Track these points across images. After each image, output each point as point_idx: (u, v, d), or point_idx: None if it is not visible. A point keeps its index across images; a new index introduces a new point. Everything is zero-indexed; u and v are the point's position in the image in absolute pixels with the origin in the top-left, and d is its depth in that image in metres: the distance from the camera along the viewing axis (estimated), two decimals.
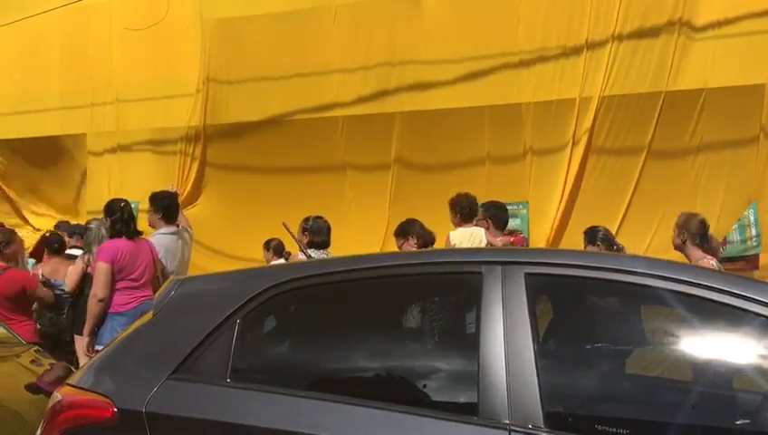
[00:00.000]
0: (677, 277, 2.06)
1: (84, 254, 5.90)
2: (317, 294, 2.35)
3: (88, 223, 6.45)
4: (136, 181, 8.20)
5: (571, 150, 6.77)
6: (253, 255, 7.07)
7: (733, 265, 6.31)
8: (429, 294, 2.52)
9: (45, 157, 9.11)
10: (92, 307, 5.06)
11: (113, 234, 5.27)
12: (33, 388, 3.91)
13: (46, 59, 8.87)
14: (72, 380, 2.44)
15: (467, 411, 2.00)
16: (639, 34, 6.59)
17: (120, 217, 5.26)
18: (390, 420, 2.03)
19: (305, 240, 5.37)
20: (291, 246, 6.21)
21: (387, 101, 7.30)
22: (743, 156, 6.40)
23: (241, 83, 7.83)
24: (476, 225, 5.42)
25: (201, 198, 8.22)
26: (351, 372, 2.34)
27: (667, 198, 6.58)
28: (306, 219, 5.59)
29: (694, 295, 2.02)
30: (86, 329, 5.11)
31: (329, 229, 5.59)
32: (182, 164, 8.16)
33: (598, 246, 5.34)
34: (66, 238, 6.86)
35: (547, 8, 6.86)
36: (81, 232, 6.62)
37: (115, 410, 2.19)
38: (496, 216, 5.34)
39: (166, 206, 5.65)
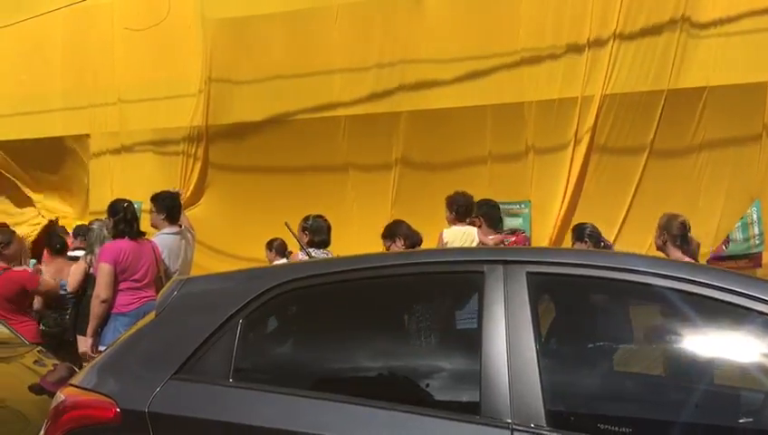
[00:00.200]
0: (680, 276, 2.06)
1: (86, 254, 5.90)
2: (319, 294, 2.35)
3: (90, 223, 6.46)
4: (139, 182, 8.19)
5: (573, 149, 6.76)
6: (255, 255, 7.08)
7: (736, 263, 6.31)
8: (431, 294, 2.52)
9: (50, 158, 9.12)
10: (95, 308, 5.07)
11: (116, 234, 5.27)
12: (36, 388, 3.91)
13: (49, 60, 8.88)
14: (75, 380, 2.45)
15: (469, 411, 2.01)
16: (641, 33, 6.57)
17: (122, 218, 5.27)
18: (393, 420, 2.04)
19: (305, 239, 5.37)
20: (293, 245, 6.21)
21: (389, 100, 7.30)
22: (745, 154, 6.39)
23: (243, 83, 7.83)
24: (469, 223, 5.41)
25: (203, 198, 8.22)
26: (353, 372, 2.34)
27: (669, 197, 6.56)
28: (306, 218, 5.59)
29: (696, 294, 2.02)
30: (89, 330, 5.12)
31: (329, 228, 5.61)
32: (184, 164, 8.16)
33: (585, 242, 5.40)
34: (71, 239, 6.87)
35: (549, 7, 6.84)
36: (85, 233, 6.63)
37: (118, 410, 2.20)
38: (488, 214, 5.35)
39: (168, 206, 5.66)
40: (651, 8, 6.56)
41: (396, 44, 7.27)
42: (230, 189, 8.08)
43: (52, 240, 6.94)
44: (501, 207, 6.91)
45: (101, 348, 5.08)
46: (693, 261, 4.67)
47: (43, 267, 6.41)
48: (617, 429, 1.97)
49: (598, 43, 6.66)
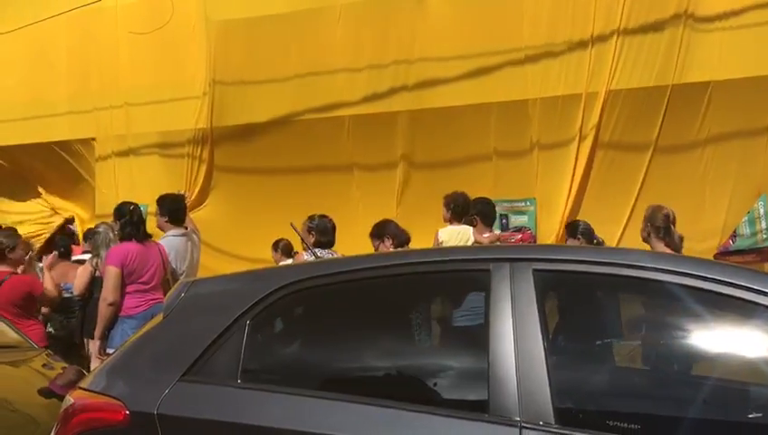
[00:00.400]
0: (687, 271, 2.05)
1: (93, 257, 5.93)
2: (326, 294, 2.36)
3: (96, 227, 6.49)
4: (144, 184, 8.21)
5: (578, 146, 6.74)
6: (261, 255, 7.08)
7: (743, 257, 6.29)
8: (438, 293, 2.52)
9: (57, 162, 9.16)
10: (103, 311, 5.09)
11: (123, 237, 5.29)
12: (45, 392, 3.92)
13: (54, 64, 8.89)
14: (84, 383, 2.46)
15: (478, 409, 2.01)
16: (645, 28, 6.55)
17: (129, 221, 5.29)
18: (401, 419, 2.04)
19: (311, 240, 5.38)
20: (299, 246, 6.22)
21: (392, 99, 7.29)
22: (751, 148, 6.36)
23: (247, 85, 7.83)
24: (464, 221, 5.42)
25: (209, 199, 8.23)
26: (361, 372, 2.35)
27: (675, 192, 6.53)
28: (311, 218, 5.60)
29: (703, 289, 2.02)
30: (97, 332, 5.14)
31: (334, 228, 5.62)
32: (190, 166, 8.16)
33: (578, 239, 5.44)
34: (82, 243, 6.89)
35: (551, 3, 6.81)
36: (91, 236, 6.66)
37: (127, 412, 2.21)
38: (483, 212, 5.35)
39: (170, 208, 5.68)
40: (654, 3, 6.53)
41: (399, 43, 7.26)
42: (235, 191, 8.09)
43: (56, 244, 6.97)
44: (506, 204, 6.96)
45: (109, 350, 5.11)
46: (675, 253, 4.67)
47: (45, 271, 6.43)
48: (626, 425, 1.97)
49: (601, 40, 6.64)
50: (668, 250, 4.64)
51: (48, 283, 5.64)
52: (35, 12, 8.56)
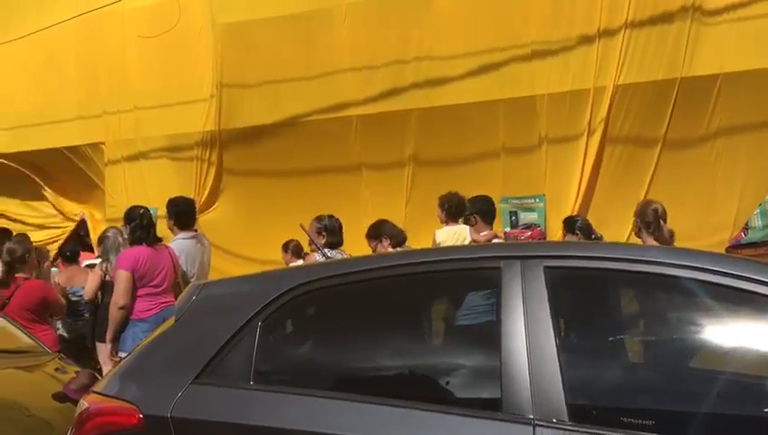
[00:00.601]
0: (700, 266, 2.04)
1: (102, 262, 5.96)
2: (336, 295, 2.36)
3: (105, 231, 6.52)
4: (154, 188, 8.24)
5: (587, 141, 6.72)
6: (272, 257, 7.10)
7: (755, 250, 6.27)
8: (448, 291, 2.52)
9: (68, 167, 9.22)
10: (113, 315, 5.12)
11: (133, 241, 5.31)
12: (59, 396, 3.94)
13: (62, 69, 8.94)
14: (97, 387, 2.47)
15: (491, 407, 2.01)
16: (652, 21, 6.51)
17: (139, 224, 5.30)
18: (414, 419, 2.04)
19: (322, 240, 5.39)
20: (308, 247, 6.23)
21: (400, 98, 7.28)
22: (762, 140, 6.32)
23: (254, 87, 7.84)
24: (465, 220, 5.43)
25: (219, 202, 8.26)
26: (373, 371, 2.35)
27: (685, 186, 6.52)
28: (320, 219, 5.60)
29: (718, 284, 2.01)
30: (108, 335, 5.18)
31: (341, 228, 5.66)
32: (199, 169, 8.19)
33: (576, 235, 5.46)
34: (97, 247, 6.92)
35: None
36: (101, 241, 6.69)
37: (141, 416, 2.22)
38: (483, 210, 5.35)
39: (176, 212, 5.69)
40: None
41: (405, 42, 7.25)
42: (245, 193, 8.11)
43: (63, 248, 7.01)
44: (515, 201, 6.95)
45: (122, 354, 5.14)
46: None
47: (56, 277, 6.47)
48: (640, 421, 1.96)
49: (608, 34, 6.61)
50: (657, 244, 4.71)
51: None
52: (43, 18, 8.60)
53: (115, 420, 2.27)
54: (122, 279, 5.11)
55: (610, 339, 2.28)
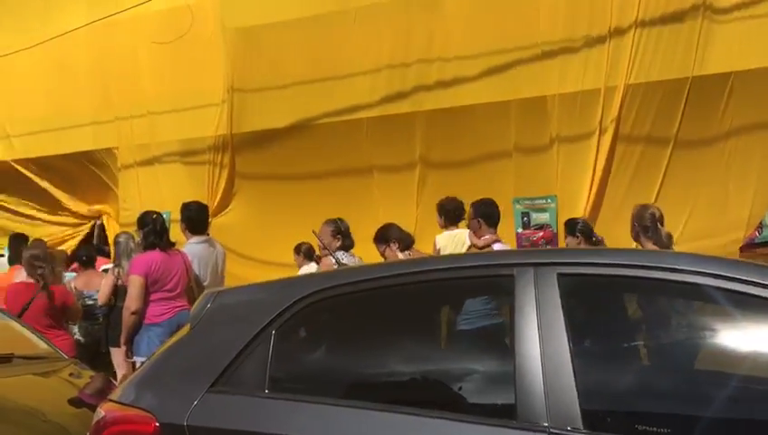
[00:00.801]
0: (714, 272, 2.04)
1: (114, 267, 6.00)
2: (350, 303, 2.36)
3: (117, 236, 6.57)
4: (167, 192, 8.31)
5: (598, 142, 6.70)
6: (284, 259, 7.13)
7: None
8: (462, 298, 2.52)
9: (82, 173, 9.30)
10: (126, 320, 5.17)
11: (146, 246, 5.34)
12: (75, 401, 3.98)
13: (75, 75, 9.01)
14: (114, 395, 2.49)
15: (505, 414, 2.01)
16: (663, 20, 6.48)
17: (152, 230, 5.34)
18: (428, 426, 2.04)
19: (336, 244, 5.40)
20: (319, 249, 6.24)
21: (410, 100, 7.28)
22: None
23: (265, 91, 7.87)
24: (469, 224, 5.44)
25: (231, 205, 8.30)
26: (387, 379, 2.35)
27: (698, 185, 6.49)
28: (332, 222, 5.62)
29: (731, 290, 2.00)
30: (122, 339, 5.22)
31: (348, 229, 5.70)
32: (211, 173, 8.24)
33: (577, 237, 5.45)
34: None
35: None
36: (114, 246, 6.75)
37: (157, 424, 2.23)
38: (486, 213, 5.34)
39: (187, 217, 5.73)
40: None
41: (415, 44, 7.25)
42: (257, 196, 8.14)
43: (79, 252, 7.07)
44: (527, 202, 6.94)
45: (137, 359, 5.18)
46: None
47: (72, 282, 6.52)
48: (655, 429, 1.96)
49: (619, 33, 6.59)
50: (656, 248, 4.74)
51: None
52: (56, 25, 8.66)
53: (132, 428, 2.29)
54: (135, 284, 5.15)
55: (624, 346, 2.28)
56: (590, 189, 6.71)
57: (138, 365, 5.16)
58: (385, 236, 5.49)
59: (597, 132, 6.68)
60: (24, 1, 9.38)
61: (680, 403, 2.13)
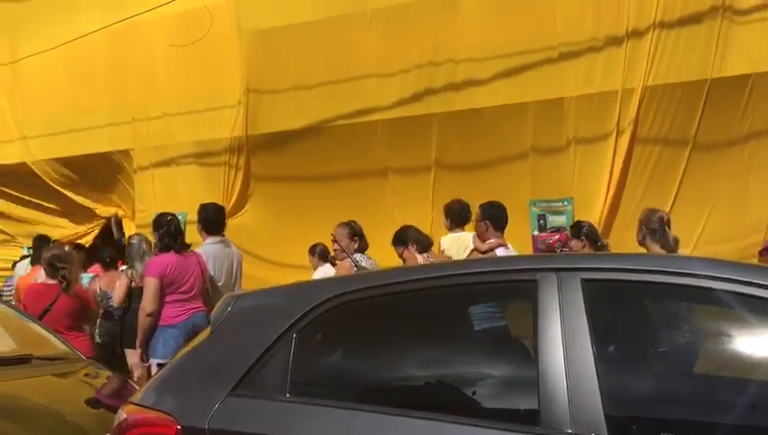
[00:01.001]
0: (739, 278, 2.01)
1: (128, 269, 6.02)
2: (372, 306, 2.35)
3: (130, 238, 6.59)
4: (183, 193, 8.35)
5: (616, 144, 6.66)
6: (298, 261, 7.13)
7: None
8: (485, 304, 2.50)
9: (99, 174, 9.36)
10: (141, 321, 5.19)
11: (162, 248, 5.37)
12: (92, 402, 3.99)
13: (91, 77, 9.07)
14: (134, 398, 2.49)
15: (529, 420, 1.99)
16: (681, 21, 6.44)
17: (167, 232, 5.36)
18: (450, 432, 2.03)
19: (355, 245, 5.42)
20: (333, 250, 6.24)
21: (426, 102, 7.28)
22: None
23: (280, 93, 7.89)
24: (475, 227, 5.45)
25: (246, 206, 8.33)
26: (408, 383, 2.34)
27: (717, 188, 6.44)
28: (347, 224, 5.63)
29: (756, 296, 1.97)
30: (138, 341, 5.24)
31: None
32: (227, 174, 8.28)
33: (582, 241, 5.42)
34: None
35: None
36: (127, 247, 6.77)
37: (179, 427, 2.23)
38: (493, 216, 5.33)
39: (206, 218, 5.75)
40: None
41: (432, 45, 7.24)
42: (272, 198, 8.16)
43: (102, 253, 7.10)
44: (543, 204, 6.92)
45: (152, 360, 5.20)
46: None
47: (96, 283, 6.54)
48: None
49: (637, 34, 6.55)
50: (663, 252, 4.74)
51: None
52: (73, 27, 8.72)
53: (153, 430, 2.29)
54: (150, 286, 5.18)
55: (649, 351, 2.25)
56: (607, 192, 6.68)
57: (153, 367, 5.20)
58: (403, 238, 5.48)
59: (614, 134, 6.64)
60: (43, 4, 9.46)
61: (705, 409, 2.11)
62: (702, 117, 6.41)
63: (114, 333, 6.28)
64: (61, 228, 9.39)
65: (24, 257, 8.40)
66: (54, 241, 6.92)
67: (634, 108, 6.57)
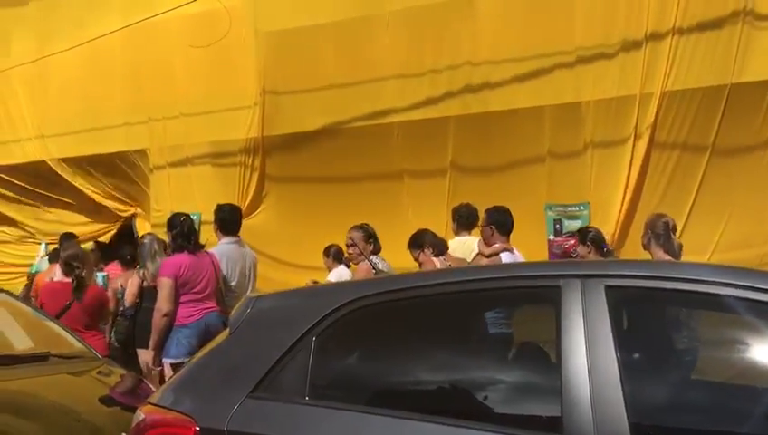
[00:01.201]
0: (755, 286, 1.99)
1: (139, 268, 6.04)
2: (392, 310, 2.34)
3: (142, 237, 6.60)
4: (198, 194, 8.38)
5: (633, 149, 6.61)
6: (312, 262, 7.12)
7: None
8: (507, 309, 2.48)
9: (116, 173, 9.42)
10: (157, 322, 5.19)
11: (175, 248, 5.38)
12: (107, 400, 4.00)
13: (109, 77, 9.12)
14: (153, 398, 2.49)
15: (551, 427, 1.97)
16: (701, 26, 6.38)
17: (180, 232, 5.38)
18: None
19: (370, 248, 5.42)
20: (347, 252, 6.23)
21: (443, 105, 7.25)
22: None
23: (297, 94, 7.90)
24: (481, 231, 5.47)
25: (261, 207, 8.34)
26: (427, 388, 2.32)
27: (735, 194, 6.37)
28: (361, 227, 5.63)
29: None
30: (151, 343, 5.24)
31: None
32: (242, 175, 8.29)
33: (587, 246, 5.42)
34: None
35: (604, 3, 6.70)
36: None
37: (197, 428, 2.22)
38: (498, 221, 5.34)
39: (219, 218, 5.77)
40: (711, 1, 6.36)
41: (449, 49, 7.22)
42: (287, 198, 8.18)
43: (123, 251, 7.13)
44: (559, 209, 6.88)
45: (166, 360, 5.21)
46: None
47: (118, 281, 6.56)
48: None
49: (656, 39, 6.49)
50: (668, 257, 4.77)
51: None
52: (92, 27, 8.77)
53: (171, 431, 2.29)
54: (165, 286, 5.19)
55: (673, 359, 2.23)
56: (624, 196, 6.62)
57: (166, 367, 5.21)
58: (419, 241, 5.49)
59: (632, 139, 6.59)
60: (61, 4, 9.53)
61: (730, 418, 2.08)
62: (721, 122, 6.34)
63: (129, 332, 6.31)
64: (79, 226, 9.42)
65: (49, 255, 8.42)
66: (74, 240, 6.94)
67: (652, 113, 6.51)
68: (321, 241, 6.94)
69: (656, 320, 2.29)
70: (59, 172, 9.65)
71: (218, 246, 5.73)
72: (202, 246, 5.55)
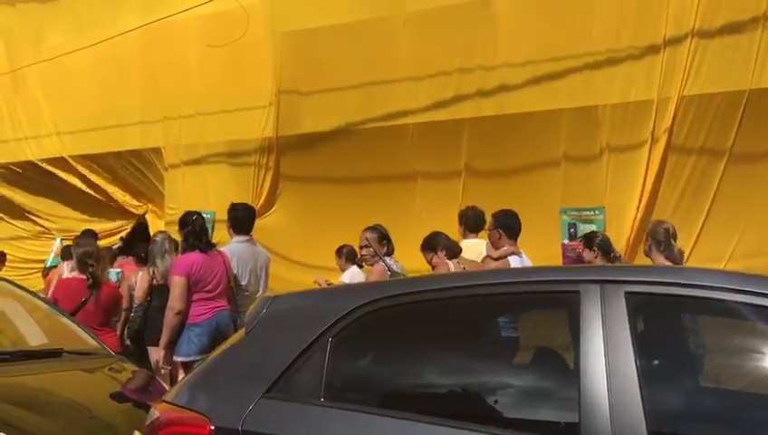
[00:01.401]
0: None
1: (149, 266, 6.06)
2: (409, 312, 2.33)
3: (154, 235, 6.62)
4: (212, 192, 8.40)
5: (650, 154, 6.56)
6: (325, 262, 7.11)
7: None
8: (526, 314, 2.47)
9: (131, 171, 9.46)
10: (169, 320, 5.21)
11: (187, 247, 5.40)
12: (119, 396, 4.01)
13: (125, 74, 9.16)
14: (167, 397, 2.49)
15: (569, 434, 1.95)
16: (720, 31, 6.32)
17: (191, 231, 5.40)
18: None
19: (384, 249, 5.42)
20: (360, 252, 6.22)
21: (458, 107, 7.22)
22: None
23: (312, 94, 7.91)
24: (489, 235, 5.45)
25: (275, 207, 8.36)
26: (443, 391, 2.31)
27: (752, 201, 6.30)
28: (375, 229, 5.62)
29: None
30: (162, 341, 5.27)
31: None
32: (256, 175, 8.31)
33: (594, 251, 5.39)
34: None
35: (622, 7, 6.64)
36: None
37: (212, 427, 2.22)
38: (506, 225, 5.32)
39: (232, 217, 5.80)
40: (731, 6, 6.30)
41: (464, 50, 7.18)
42: (301, 198, 8.18)
43: (138, 249, 7.16)
44: (574, 213, 6.84)
45: (176, 358, 5.23)
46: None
47: (132, 278, 6.58)
48: None
49: (674, 43, 6.44)
50: (668, 263, 4.81)
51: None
52: (109, 26, 8.81)
53: (186, 430, 2.29)
54: (177, 285, 5.21)
55: (693, 367, 2.21)
56: (640, 201, 6.58)
57: (179, 365, 5.22)
58: (432, 244, 5.48)
59: (648, 143, 6.53)
60: (78, 2, 9.58)
61: (749, 426, 2.05)
62: (739, 128, 6.28)
63: (140, 329, 6.33)
64: (93, 223, 9.48)
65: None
66: (91, 237, 6.95)
67: (669, 117, 6.45)
68: (334, 241, 6.93)
69: (675, 327, 2.27)
70: (75, 168, 9.70)
71: (229, 246, 5.75)
72: (213, 245, 5.57)
